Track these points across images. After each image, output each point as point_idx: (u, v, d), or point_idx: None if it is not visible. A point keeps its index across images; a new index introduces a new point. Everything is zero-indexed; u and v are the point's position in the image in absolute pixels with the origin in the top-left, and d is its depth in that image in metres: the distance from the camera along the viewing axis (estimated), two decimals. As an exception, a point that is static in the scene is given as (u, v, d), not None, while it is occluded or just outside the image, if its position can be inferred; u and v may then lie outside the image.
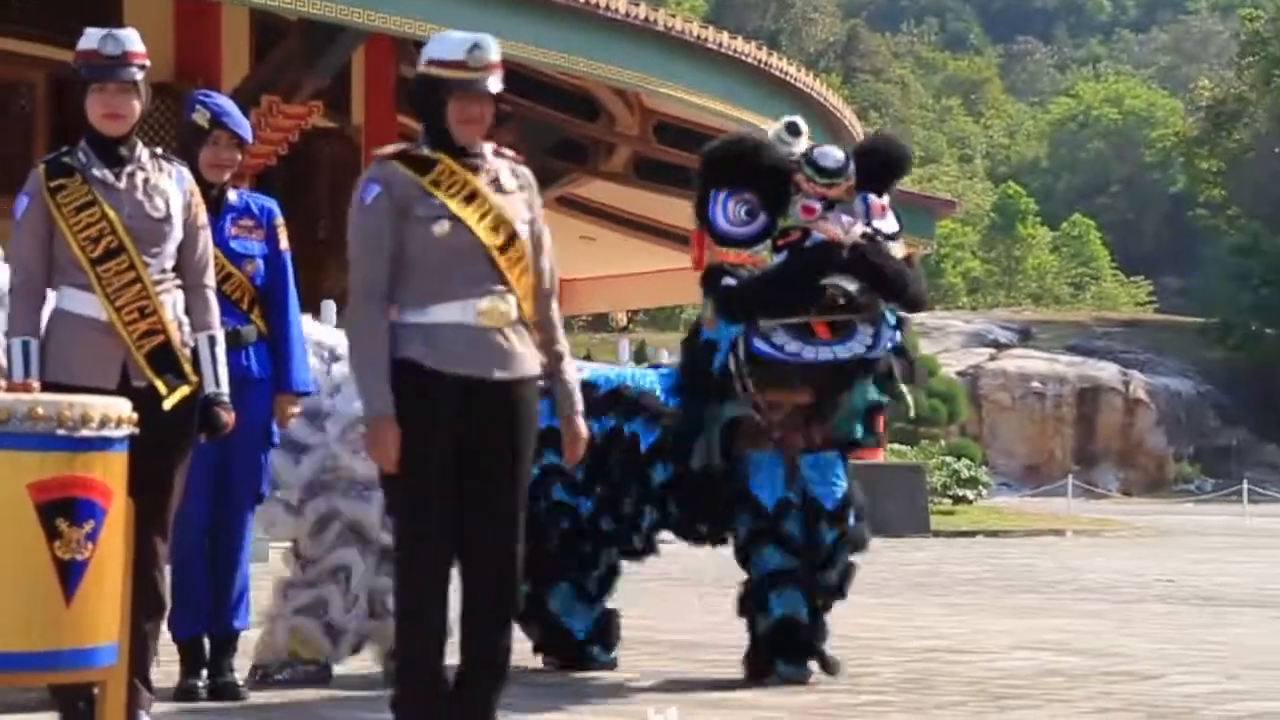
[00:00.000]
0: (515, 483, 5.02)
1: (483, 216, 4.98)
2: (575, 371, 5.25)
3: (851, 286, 6.54)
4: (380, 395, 4.90)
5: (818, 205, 6.66)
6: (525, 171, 5.17)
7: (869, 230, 6.70)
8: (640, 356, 35.41)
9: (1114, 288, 71.92)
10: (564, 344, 5.20)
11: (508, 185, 5.09)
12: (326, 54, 16.59)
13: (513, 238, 5.01)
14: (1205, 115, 61.90)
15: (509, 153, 5.21)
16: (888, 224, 6.83)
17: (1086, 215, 73.19)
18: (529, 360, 5.04)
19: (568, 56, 17.82)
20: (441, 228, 4.94)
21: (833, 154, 6.78)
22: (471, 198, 5.00)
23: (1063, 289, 71.16)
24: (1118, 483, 48.31)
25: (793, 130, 6.86)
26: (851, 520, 6.91)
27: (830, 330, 6.61)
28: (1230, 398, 52.54)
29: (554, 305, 5.20)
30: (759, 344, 6.65)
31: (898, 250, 6.78)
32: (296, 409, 6.59)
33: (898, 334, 6.83)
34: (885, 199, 6.87)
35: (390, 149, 5.14)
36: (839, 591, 7.01)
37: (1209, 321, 55.17)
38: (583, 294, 31.93)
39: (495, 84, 5.05)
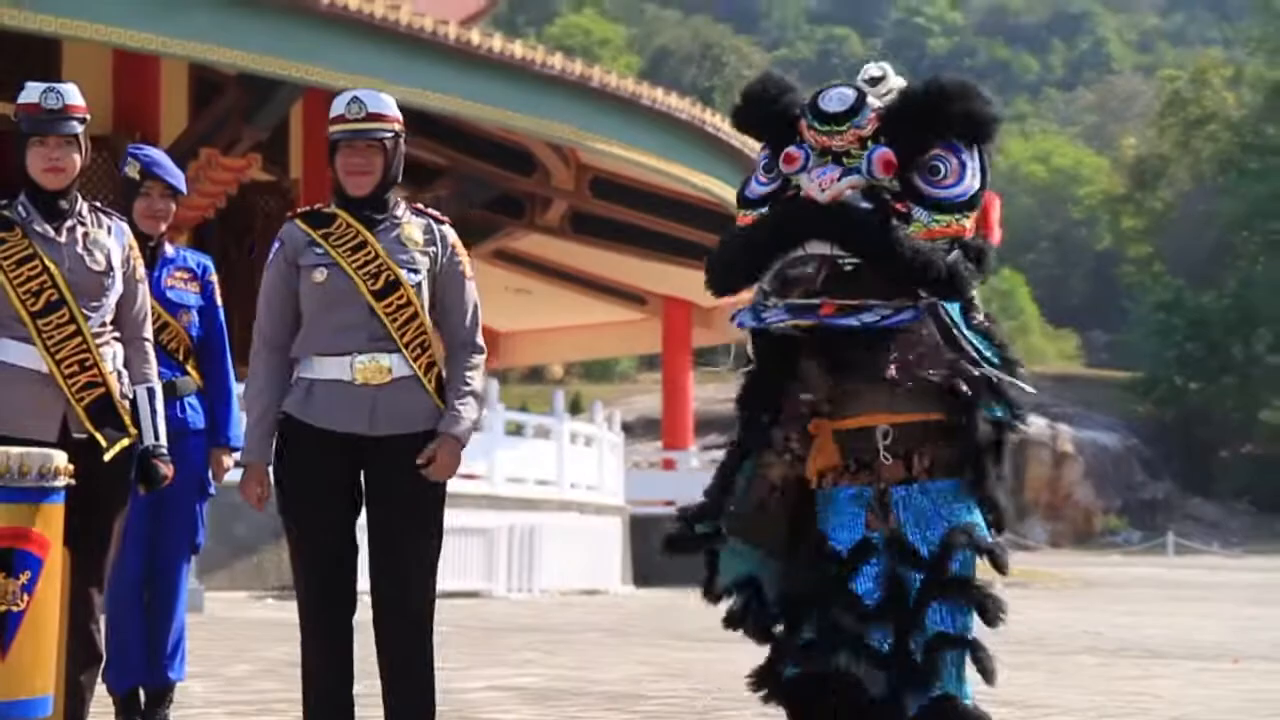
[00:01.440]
0: (409, 537, 5.21)
1: (364, 264, 5.16)
2: (459, 426, 5.26)
3: (825, 252, 5.15)
4: (257, 446, 5.28)
5: (801, 154, 5.30)
6: (444, 231, 5.34)
7: (863, 185, 5.18)
8: (575, 408, 35.43)
9: (1042, 342, 72.41)
10: (461, 399, 5.27)
11: (412, 238, 5.26)
12: (264, 108, 16.64)
13: (393, 285, 5.17)
14: (1130, 173, 62.62)
15: (431, 211, 5.42)
16: (934, 187, 5.24)
17: (1015, 270, 73.78)
18: (417, 415, 5.22)
19: (504, 112, 17.92)
20: (320, 274, 5.19)
21: (839, 95, 5.33)
22: (359, 247, 5.21)
23: (993, 344, 71.56)
24: (1046, 535, 48.58)
25: (871, 80, 5.40)
26: (955, 566, 5.18)
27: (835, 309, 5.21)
28: (1156, 451, 52.99)
29: (463, 359, 5.32)
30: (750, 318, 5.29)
31: (925, 221, 5.22)
32: (230, 461, 6.61)
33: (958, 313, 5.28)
34: (908, 153, 5.22)
35: (301, 209, 5.44)
36: (920, 669, 5.14)
37: (1135, 376, 55.70)
38: (519, 346, 31.97)
39: (381, 133, 5.27)
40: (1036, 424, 50.84)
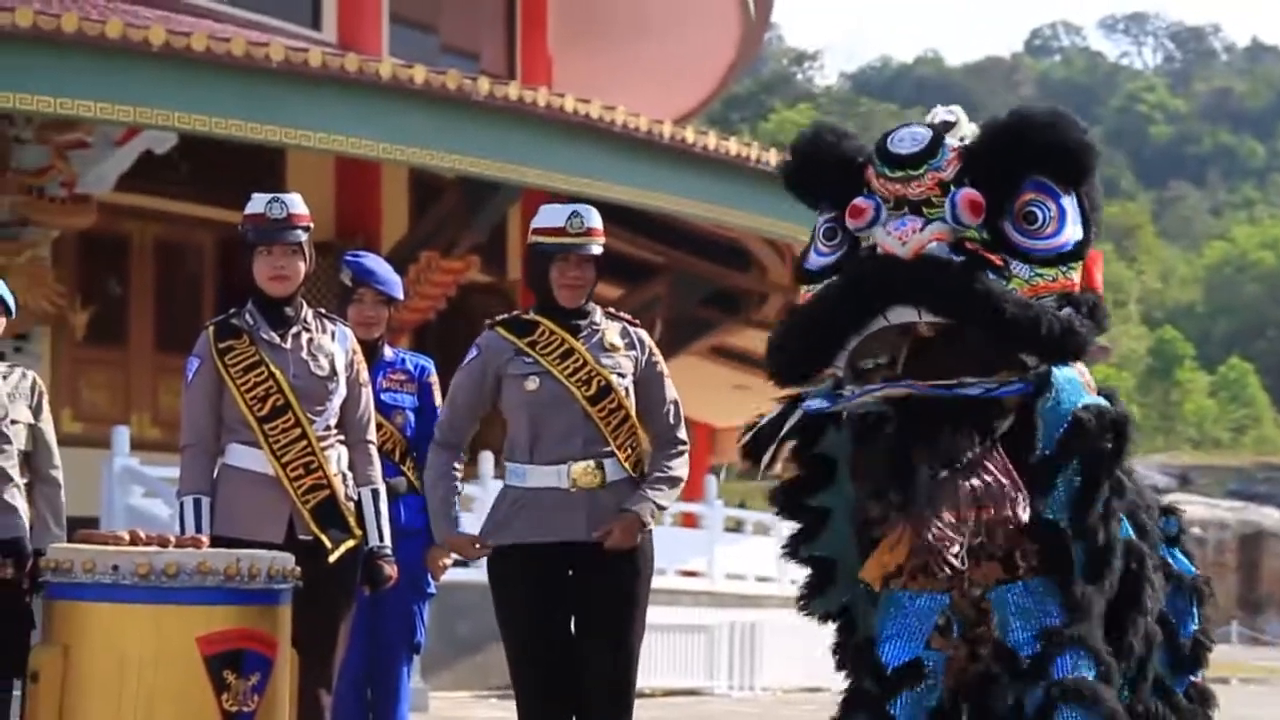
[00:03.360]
0: (614, 635, 5.27)
1: (574, 371, 5.20)
2: (639, 504, 5.32)
3: (912, 319, 4.39)
4: (446, 523, 5.50)
5: (870, 205, 4.47)
6: (639, 333, 5.41)
7: (950, 237, 4.42)
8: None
9: (1274, 431, 70.60)
10: (653, 483, 5.36)
11: (613, 343, 5.32)
12: (483, 210, 16.87)
13: (605, 390, 5.23)
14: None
15: (624, 315, 5.55)
16: (1030, 238, 4.49)
17: (1244, 359, 72.14)
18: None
19: (720, 209, 17.98)
20: (532, 383, 5.29)
21: (911, 134, 4.53)
22: (567, 355, 5.30)
23: (1222, 433, 69.98)
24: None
25: (944, 125, 4.66)
26: (1064, 668, 4.47)
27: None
28: (1396, 542, 51.22)
29: (665, 450, 5.42)
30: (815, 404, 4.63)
31: (1026, 276, 4.46)
32: (449, 560, 6.66)
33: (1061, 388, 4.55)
34: (998, 196, 4.47)
35: (499, 317, 5.57)
36: None
37: (1372, 465, 53.98)
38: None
39: (595, 248, 5.39)
40: (1271, 516, 49.52)
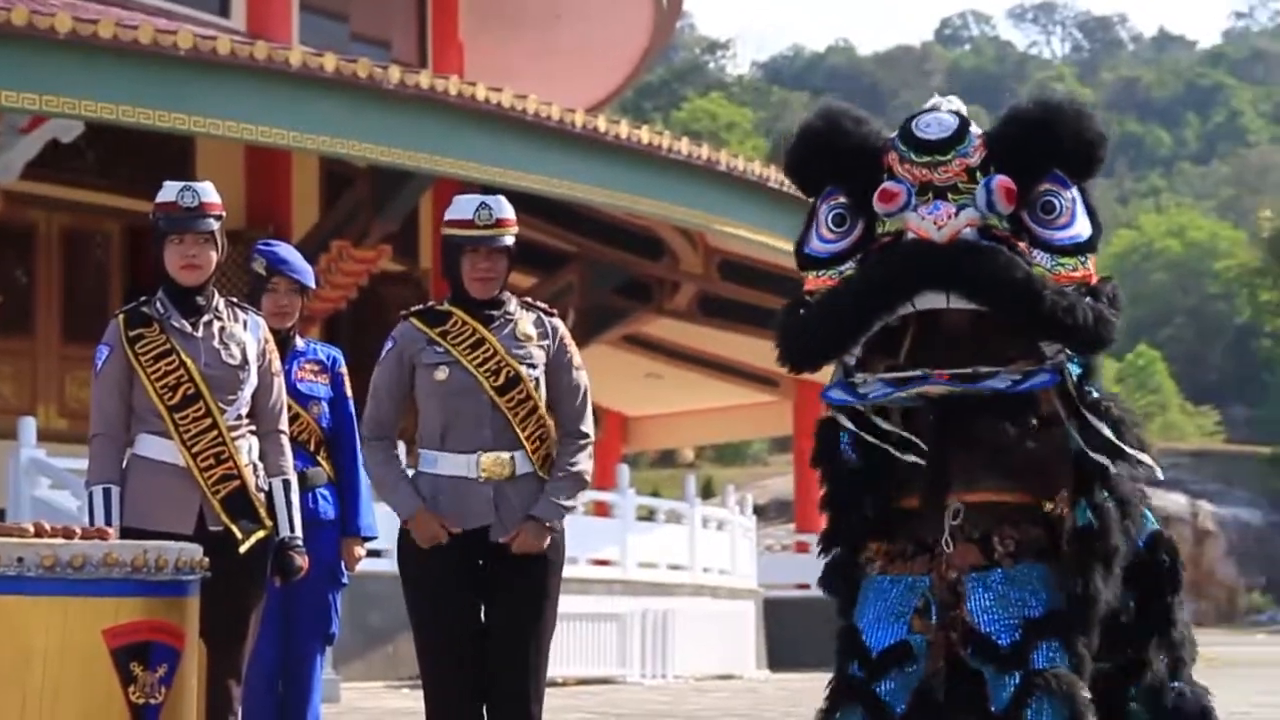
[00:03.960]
0: (526, 632, 5.28)
1: (484, 361, 5.22)
2: (540, 508, 5.34)
3: (940, 305, 4.37)
4: (406, 498, 5.39)
5: (902, 190, 4.43)
6: (554, 323, 5.43)
7: (980, 223, 4.39)
8: (707, 492, 35.38)
9: (1181, 418, 71.43)
10: (556, 483, 5.36)
11: (526, 333, 5.35)
12: (394, 199, 16.84)
13: (514, 381, 5.28)
14: (1268, 246, 61.76)
15: (540, 305, 5.54)
16: (1048, 228, 4.47)
17: (1152, 346, 72.95)
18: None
19: (632, 197, 18.02)
20: (442, 372, 5.30)
21: (938, 120, 4.52)
22: (477, 345, 5.32)
23: (1130, 420, 70.78)
24: (1189, 614, 47.78)
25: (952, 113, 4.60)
26: (1047, 657, 4.43)
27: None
28: (1301, 528, 51.94)
29: (568, 444, 5.42)
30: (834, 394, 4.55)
31: (1048, 265, 4.45)
32: (362, 551, 6.65)
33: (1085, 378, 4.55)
34: (1022, 184, 4.43)
35: (414, 307, 5.59)
36: None
37: (1277, 450, 54.72)
38: (650, 431, 31.98)
39: (505, 240, 5.41)
40: (1177, 501, 50.11)
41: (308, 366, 6.59)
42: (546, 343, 5.43)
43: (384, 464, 5.48)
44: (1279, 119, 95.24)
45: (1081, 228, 4.49)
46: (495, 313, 5.41)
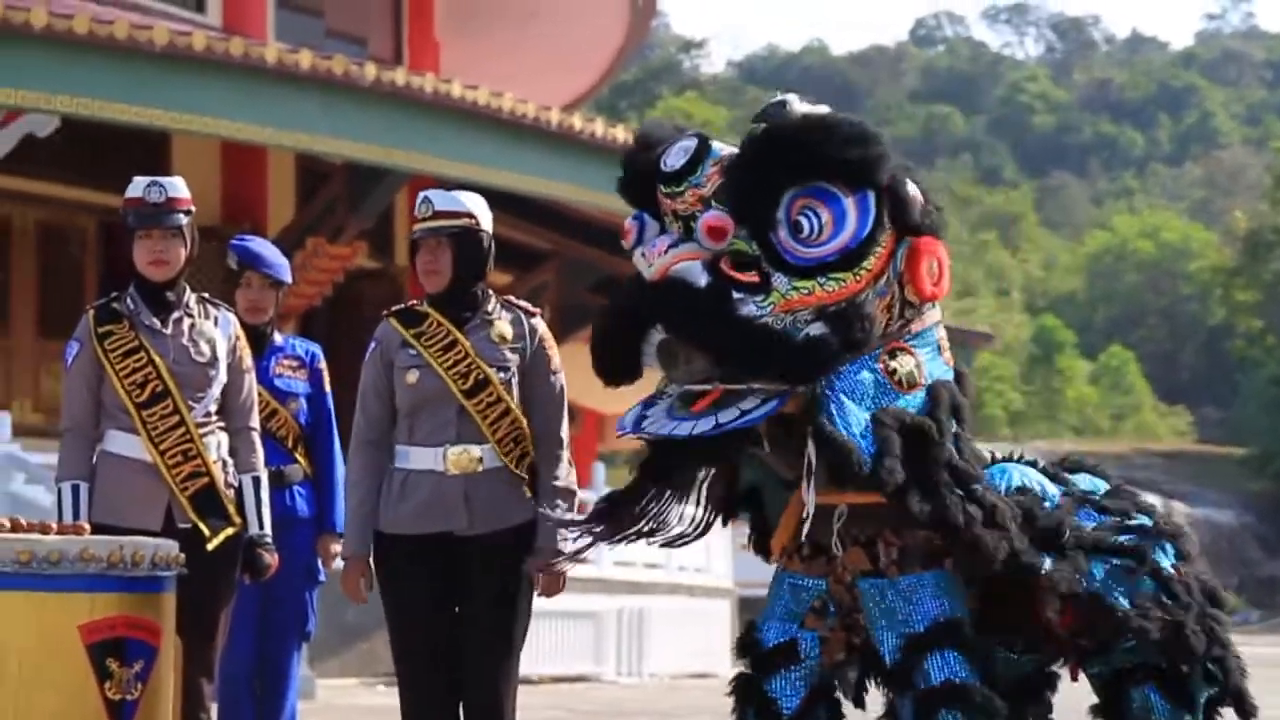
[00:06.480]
0: (495, 631, 5.24)
1: (454, 364, 5.18)
2: (555, 538, 5.28)
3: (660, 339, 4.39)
4: (352, 534, 5.35)
5: (635, 226, 4.53)
6: (534, 323, 5.37)
7: (705, 256, 4.37)
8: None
9: (1154, 419, 71.62)
10: (552, 504, 5.28)
11: (503, 334, 5.30)
12: (369, 196, 16.81)
13: (483, 384, 5.21)
14: (1241, 247, 61.98)
15: (521, 304, 5.46)
16: (800, 245, 4.37)
17: (1125, 347, 73.13)
18: (511, 509, 5.28)
19: (607, 195, 18.00)
20: (413, 376, 5.25)
21: (681, 147, 4.47)
22: (449, 347, 5.26)
23: (1103, 420, 70.94)
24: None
25: (772, 111, 4.57)
26: (942, 669, 4.43)
27: (714, 400, 4.40)
28: (1272, 528, 52.15)
29: (548, 454, 5.35)
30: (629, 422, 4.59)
31: (783, 290, 4.36)
32: (339, 548, 6.65)
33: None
34: (757, 210, 4.38)
35: (396, 307, 5.52)
36: None
37: (1249, 451, 54.97)
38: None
39: (449, 230, 5.30)
40: (1150, 502, 50.21)
41: (286, 362, 6.58)
42: (523, 344, 5.36)
43: (358, 481, 5.35)
44: (1251, 121, 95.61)
45: (844, 242, 4.38)
46: (470, 313, 5.35)
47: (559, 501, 5.27)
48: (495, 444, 5.24)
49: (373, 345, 5.42)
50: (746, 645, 4.67)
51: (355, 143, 15.41)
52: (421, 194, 5.41)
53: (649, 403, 4.51)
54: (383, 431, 5.36)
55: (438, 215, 5.33)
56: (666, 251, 4.39)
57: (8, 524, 4.71)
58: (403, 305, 5.53)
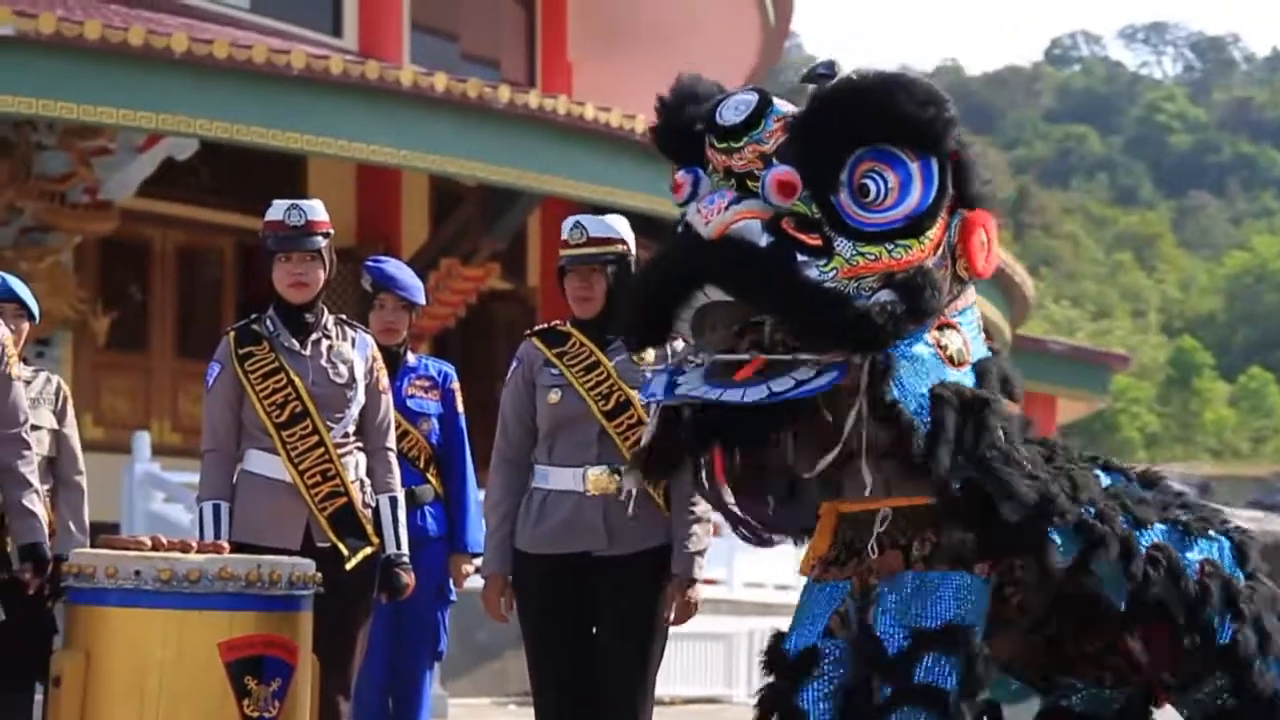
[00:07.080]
0: (631, 655, 5.23)
1: (596, 385, 5.18)
2: (691, 566, 5.32)
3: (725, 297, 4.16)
4: (495, 557, 5.38)
5: (688, 180, 4.27)
6: (676, 347, 5.35)
7: (767, 214, 4.15)
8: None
9: (1295, 442, 70.47)
10: (687, 531, 5.28)
11: (643, 357, 5.29)
12: (503, 217, 16.90)
13: (624, 405, 5.23)
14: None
15: None
16: (864, 210, 4.18)
17: (1264, 368, 72.00)
18: (649, 531, 5.27)
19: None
20: (555, 395, 5.27)
21: (738, 101, 4.23)
22: (591, 368, 5.27)
23: (1242, 442, 69.87)
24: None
25: (820, 78, 4.31)
26: (929, 670, 4.25)
27: (760, 368, 4.18)
28: None
29: (686, 492, 5.26)
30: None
31: (847, 255, 4.16)
32: (471, 568, 6.67)
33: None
34: (823, 170, 4.17)
35: (538, 327, 5.55)
36: None
37: (1395, 476, 53.87)
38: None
39: (604, 258, 5.33)
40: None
41: (418, 383, 6.62)
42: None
43: (498, 500, 5.39)
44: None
45: (907, 208, 4.18)
46: (612, 336, 5.33)
47: (694, 531, 5.27)
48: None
49: (515, 364, 5.44)
50: (772, 656, 4.50)
51: (489, 164, 15.50)
52: (573, 219, 5.43)
53: (676, 369, 4.29)
54: (523, 451, 5.39)
55: (592, 242, 5.35)
56: (727, 208, 4.13)
57: (149, 542, 4.78)
58: (545, 325, 5.55)
